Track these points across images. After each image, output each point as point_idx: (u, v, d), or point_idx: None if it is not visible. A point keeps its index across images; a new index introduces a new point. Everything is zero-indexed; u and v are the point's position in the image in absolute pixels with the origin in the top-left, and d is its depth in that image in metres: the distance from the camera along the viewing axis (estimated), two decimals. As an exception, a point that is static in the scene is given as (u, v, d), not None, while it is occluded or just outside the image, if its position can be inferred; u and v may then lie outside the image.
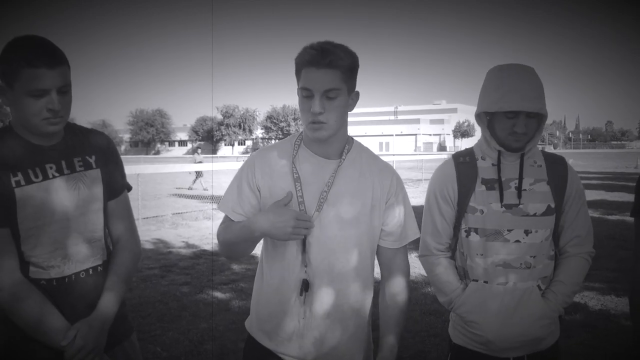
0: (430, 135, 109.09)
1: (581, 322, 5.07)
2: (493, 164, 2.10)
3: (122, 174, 2.08)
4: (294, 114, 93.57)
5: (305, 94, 1.74)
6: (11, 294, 1.74)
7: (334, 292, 1.85)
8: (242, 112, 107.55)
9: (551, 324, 2.08)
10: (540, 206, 2.05)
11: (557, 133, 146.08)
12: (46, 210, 1.80)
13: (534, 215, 2.05)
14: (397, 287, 1.92)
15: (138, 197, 11.33)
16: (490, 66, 2.10)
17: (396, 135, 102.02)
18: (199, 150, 21.08)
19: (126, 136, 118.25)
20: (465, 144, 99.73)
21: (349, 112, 1.85)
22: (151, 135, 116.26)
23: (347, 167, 1.86)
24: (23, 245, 1.80)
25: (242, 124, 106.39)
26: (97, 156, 1.96)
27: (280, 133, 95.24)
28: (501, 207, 2.05)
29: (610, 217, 11.80)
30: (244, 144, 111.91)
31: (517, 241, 2.05)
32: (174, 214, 13.19)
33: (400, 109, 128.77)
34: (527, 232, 2.05)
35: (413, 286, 5.03)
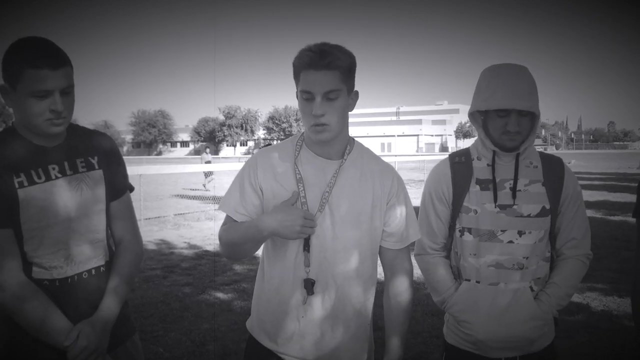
0: (432, 136, 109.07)
1: (583, 322, 5.06)
2: (488, 164, 2.10)
3: (125, 175, 2.08)
4: (296, 114, 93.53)
5: (306, 96, 1.74)
6: (14, 294, 1.74)
7: (335, 292, 1.85)
8: (244, 113, 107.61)
9: (543, 326, 2.07)
10: (534, 207, 2.05)
11: (559, 134, 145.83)
12: (49, 211, 1.80)
13: (528, 216, 2.04)
14: (400, 288, 1.93)
15: (140, 197, 11.35)
16: None
17: (398, 135, 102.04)
18: (208, 150, 21.01)
19: (128, 137, 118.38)
20: (467, 144, 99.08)
21: (350, 112, 1.85)
22: (153, 136, 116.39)
23: (348, 168, 1.87)
24: (26, 245, 1.80)
25: (244, 125, 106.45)
26: (100, 157, 1.97)
27: (282, 134, 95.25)
28: (495, 207, 2.06)
29: (612, 218, 11.78)
30: (246, 145, 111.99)
31: (511, 242, 2.04)
32: (176, 214, 13.21)
33: (402, 109, 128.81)
34: (520, 233, 2.04)
35: (415, 287, 5.02)
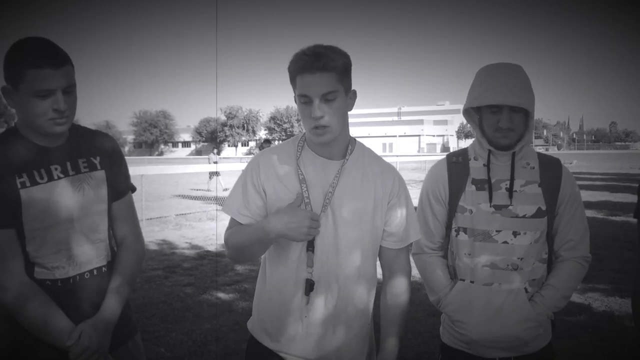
0: (433, 136, 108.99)
1: (585, 323, 5.06)
2: (484, 164, 2.10)
3: (127, 175, 2.09)
4: (297, 115, 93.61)
5: (304, 100, 1.75)
6: (17, 294, 1.75)
7: (337, 292, 1.85)
8: (245, 113, 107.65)
9: (537, 327, 2.06)
10: (530, 208, 2.04)
11: (561, 134, 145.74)
12: (51, 211, 1.81)
13: (524, 217, 2.04)
14: (399, 288, 1.93)
15: (142, 198, 11.35)
16: None
17: (399, 136, 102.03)
18: (215, 151, 21.01)
19: (130, 137, 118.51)
20: (468, 144, 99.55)
21: (350, 112, 1.86)
22: (155, 136, 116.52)
23: (350, 168, 1.87)
24: (28, 246, 1.80)
25: (245, 125, 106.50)
26: (102, 157, 1.97)
27: (284, 134, 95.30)
28: (490, 207, 2.06)
29: (614, 218, 11.77)
30: (247, 145, 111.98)
31: (505, 242, 2.04)
32: (177, 215, 13.21)
33: (403, 109, 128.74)
34: (515, 234, 2.04)
35: (416, 287, 5.02)
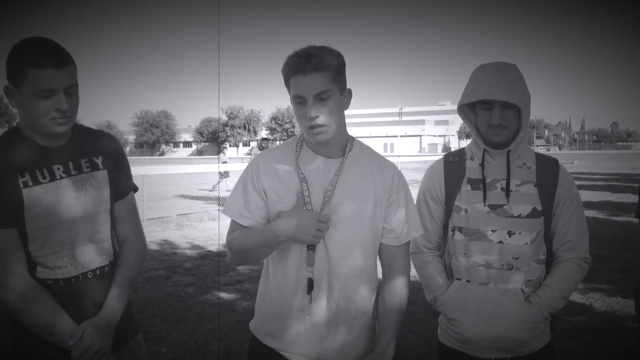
0: (435, 136, 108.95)
1: (587, 323, 5.05)
2: (480, 164, 2.10)
3: (129, 175, 2.09)
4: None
5: (298, 101, 1.75)
6: (20, 294, 1.75)
7: (338, 291, 1.85)
8: (246, 113, 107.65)
9: (533, 328, 2.04)
10: (525, 208, 2.04)
11: (562, 134, 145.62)
12: (53, 211, 1.81)
13: (518, 216, 2.04)
14: (397, 285, 1.92)
15: (143, 198, 11.36)
16: None
17: (401, 136, 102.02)
18: (225, 151, 20.96)
19: (131, 137, 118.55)
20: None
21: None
22: (156, 136, 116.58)
23: (349, 166, 1.87)
24: (30, 245, 1.81)
25: (246, 125, 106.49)
26: (104, 157, 1.97)
27: (285, 134, 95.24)
28: (485, 206, 2.06)
29: (616, 219, 11.76)
30: (249, 145, 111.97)
31: (500, 242, 2.04)
32: (178, 215, 13.22)
33: (404, 110, 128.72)
34: (510, 234, 2.03)
35: (417, 287, 5.01)
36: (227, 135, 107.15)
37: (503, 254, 2.04)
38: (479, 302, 2.05)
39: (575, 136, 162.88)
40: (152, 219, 12.03)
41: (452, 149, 2.38)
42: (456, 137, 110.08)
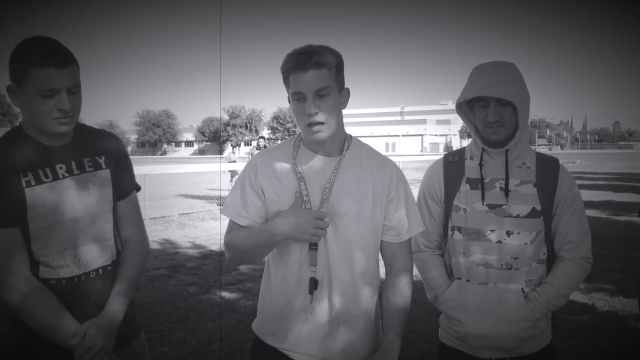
0: (436, 135, 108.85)
1: (589, 322, 5.05)
2: (479, 163, 2.10)
3: (131, 175, 2.09)
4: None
5: (297, 97, 1.76)
6: (22, 294, 1.75)
7: (340, 290, 1.85)
8: (248, 113, 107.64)
9: (533, 327, 2.04)
10: (524, 208, 2.04)
11: (564, 134, 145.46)
12: (56, 210, 1.81)
13: (517, 216, 2.03)
14: (400, 283, 1.92)
15: (145, 197, 11.36)
16: None
17: (402, 135, 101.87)
18: (234, 151, 20.90)
19: (133, 137, 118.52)
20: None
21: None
22: (158, 135, 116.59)
23: (347, 164, 1.87)
24: (33, 245, 1.81)
25: (248, 125, 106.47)
26: (107, 157, 1.97)
27: (287, 133, 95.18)
28: (483, 206, 2.06)
29: (618, 218, 11.74)
30: (250, 145, 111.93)
31: (499, 242, 2.04)
32: (180, 214, 13.22)
33: (406, 109, 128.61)
34: (509, 233, 2.03)
35: (419, 286, 5.02)
36: (228, 135, 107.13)
37: (502, 254, 2.04)
38: (478, 301, 2.05)
39: (577, 135, 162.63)
40: (154, 218, 12.03)
41: (454, 149, 2.38)
42: (458, 136, 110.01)
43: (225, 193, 17.49)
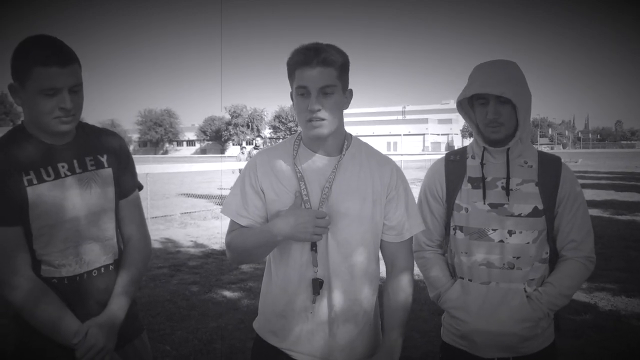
0: (438, 135, 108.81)
1: (591, 322, 5.04)
2: (480, 162, 2.10)
3: (134, 174, 2.09)
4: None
5: (301, 92, 1.76)
6: (24, 293, 1.75)
7: (341, 289, 1.85)
8: (250, 112, 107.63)
9: (535, 327, 2.04)
10: (525, 207, 2.03)
11: (566, 133, 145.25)
12: (58, 209, 1.81)
13: (519, 215, 2.03)
14: (400, 283, 1.92)
15: (147, 196, 11.36)
16: None
17: (404, 135, 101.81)
18: (243, 150, 20.81)
19: (135, 136, 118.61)
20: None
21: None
22: (160, 135, 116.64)
23: (347, 163, 1.87)
24: (35, 243, 1.81)
25: (250, 124, 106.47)
26: (109, 155, 1.97)
27: (289, 132, 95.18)
28: (484, 205, 2.05)
29: (620, 217, 11.71)
30: (252, 144, 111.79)
31: (501, 241, 2.04)
32: (182, 213, 13.23)
33: (408, 108, 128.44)
34: (510, 233, 2.03)
35: (421, 286, 5.01)
36: (230, 134, 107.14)
37: (504, 253, 2.03)
38: (480, 301, 2.05)
39: (579, 135, 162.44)
40: (155, 217, 12.03)
41: (456, 148, 2.38)
42: (460, 135, 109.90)
43: (218, 192, 17.47)
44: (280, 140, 2.06)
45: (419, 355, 4.29)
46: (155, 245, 8.79)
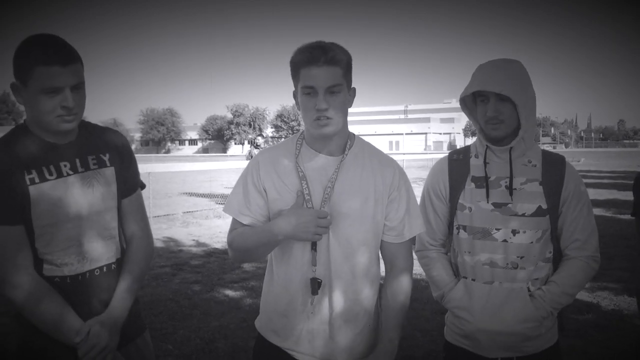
0: (440, 134, 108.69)
1: (593, 321, 5.03)
2: (484, 162, 2.10)
3: (136, 172, 2.09)
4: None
5: (308, 91, 1.75)
6: (27, 292, 1.75)
7: (342, 289, 1.85)
8: (252, 111, 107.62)
9: (539, 327, 2.03)
10: (529, 206, 2.02)
11: (569, 132, 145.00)
12: (60, 208, 1.81)
13: (523, 215, 2.02)
14: (399, 283, 1.92)
15: (149, 195, 11.36)
16: None
17: (406, 134, 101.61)
18: (252, 150, 20.81)
19: (137, 135, 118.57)
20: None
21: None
22: (162, 134, 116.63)
23: (349, 163, 1.87)
24: (37, 242, 1.81)
25: (252, 123, 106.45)
26: (112, 154, 1.97)
27: (291, 132, 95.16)
28: (488, 204, 2.05)
29: (622, 217, 11.68)
30: (253, 143, 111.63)
31: (505, 241, 2.03)
32: (184, 212, 13.22)
33: (410, 107, 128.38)
34: (514, 232, 2.02)
35: (423, 285, 5.01)
36: (232, 133, 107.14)
37: (507, 253, 2.03)
38: (484, 300, 2.04)
39: (582, 134, 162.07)
40: (158, 216, 12.03)
41: (458, 147, 2.37)
42: (462, 134, 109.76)
43: (219, 191, 17.47)
44: (282, 139, 2.06)
45: (421, 354, 4.29)
46: (158, 244, 8.80)
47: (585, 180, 2.11)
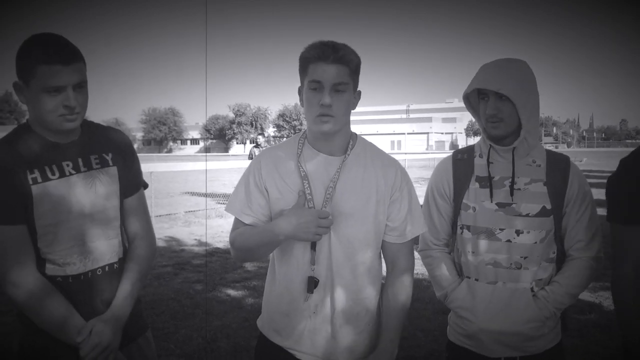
0: (442, 133, 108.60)
1: (596, 321, 5.03)
2: (487, 161, 2.09)
3: (139, 172, 2.09)
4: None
5: (314, 86, 1.76)
6: (29, 291, 1.75)
7: (343, 289, 1.85)
8: (254, 111, 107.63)
9: (542, 327, 2.03)
10: (533, 207, 2.02)
11: (571, 132, 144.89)
12: (63, 207, 1.81)
13: (527, 215, 2.02)
14: (400, 283, 1.92)
15: (151, 195, 11.37)
16: None
17: (408, 133, 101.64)
18: (258, 149, 20.80)
19: (139, 134, 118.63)
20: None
21: (359, 110, 1.87)
22: (164, 133, 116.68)
23: (351, 163, 1.87)
24: (39, 242, 1.81)
25: (253, 123, 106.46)
26: (114, 154, 1.97)
27: (292, 131, 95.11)
28: (492, 204, 2.04)
29: (625, 217, 11.64)
30: (254, 143, 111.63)
31: (508, 241, 2.03)
32: (186, 212, 13.23)
33: (412, 107, 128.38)
34: (518, 232, 2.02)
35: (425, 285, 5.01)
36: (234, 133, 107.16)
37: (511, 253, 2.02)
38: (487, 300, 2.04)
39: (584, 134, 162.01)
40: (159, 215, 12.05)
41: (460, 147, 2.38)
42: (464, 134, 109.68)
43: (221, 190, 17.47)
44: (284, 139, 2.06)
45: (423, 354, 4.29)
46: (160, 243, 8.80)
47: (587, 180, 2.10)
